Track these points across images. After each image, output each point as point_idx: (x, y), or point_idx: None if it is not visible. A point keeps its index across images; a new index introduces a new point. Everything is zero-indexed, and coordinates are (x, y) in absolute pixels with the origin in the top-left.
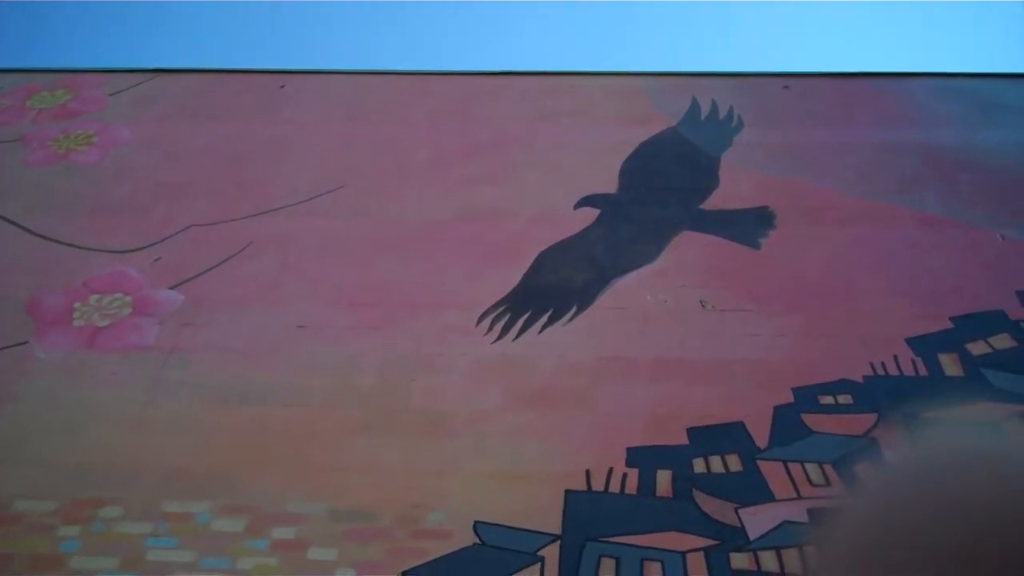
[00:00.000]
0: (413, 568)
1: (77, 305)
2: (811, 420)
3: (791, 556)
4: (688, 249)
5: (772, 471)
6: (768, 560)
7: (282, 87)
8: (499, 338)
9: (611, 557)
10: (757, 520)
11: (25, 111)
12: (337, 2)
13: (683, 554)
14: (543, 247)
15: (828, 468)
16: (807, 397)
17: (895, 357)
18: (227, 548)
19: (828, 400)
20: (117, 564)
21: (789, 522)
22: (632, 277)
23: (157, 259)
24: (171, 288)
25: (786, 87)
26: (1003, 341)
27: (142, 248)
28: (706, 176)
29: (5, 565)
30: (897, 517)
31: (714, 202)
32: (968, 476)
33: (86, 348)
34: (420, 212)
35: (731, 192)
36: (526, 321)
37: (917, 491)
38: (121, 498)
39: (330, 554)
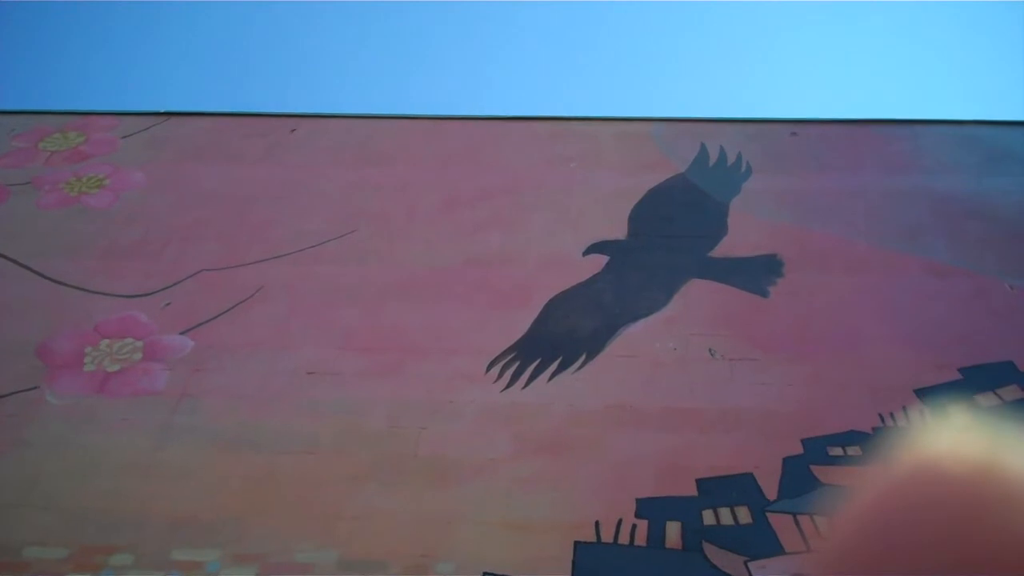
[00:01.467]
0: None
1: (88, 350)
2: (820, 472)
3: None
4: (697, 297)
5: (782, 523)
6: None
7: (293, 131)
8: (508, 386)
9: None
10: (767, 573)
11: (38, 153)
12: (348, 46)
13: None
14: (552, 293)
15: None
16: (816, 448)
17: (904, 408)
18: None
19: (837, 451)
20: None
21: None
22: (641, 325)
23: (167, 304)
24: (181, 333)
25: (794, 134)
26: (1012, 393)
27: (153, 293)
28: (715, 223)
29: None
30: (897, 517)
31: (723, 249)
32: (969, 476)
33: (97, 393)
34: (429, 257)
35: (739, 239)
36: (535, 369)
37: (914, 495)
38: (131, 545)
39: None
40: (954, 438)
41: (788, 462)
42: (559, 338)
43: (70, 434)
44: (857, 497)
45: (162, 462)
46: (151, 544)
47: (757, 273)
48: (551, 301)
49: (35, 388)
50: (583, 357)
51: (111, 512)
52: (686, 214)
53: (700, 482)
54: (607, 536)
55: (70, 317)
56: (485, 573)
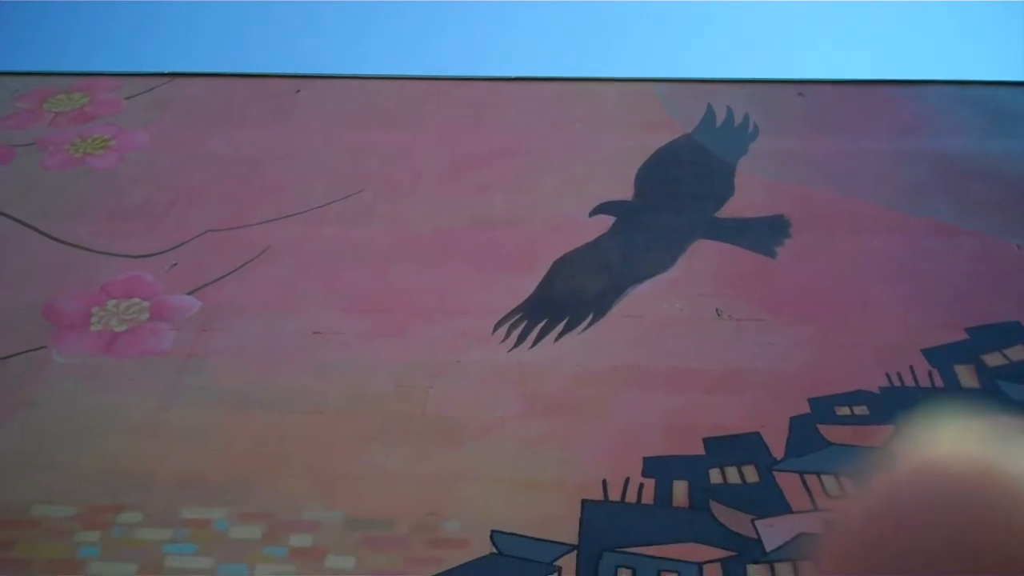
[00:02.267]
0: None
1: (95, 310)
2: (827, 431)
3: (808, 568)
4: (703, 257)
5: (789, 482)
6: (784, 572)
7: (298, 92)
8: (515, 346)
9: (628, 567)
10: (774, 531)
11: (42, 114)
12: (353, 6)
13: (700, 565)
14: (558, 254)
15: (845, 479)
16: (823, 408)
17: (911, 368)
18: (245, 555)
19: (844, 411)
20: (136, 570)
21: (805, 534)
22: (648, 286)
23: (174, 264)
24: (188, 293)
25: (801, 95)
26: (1019, 353)
27: (159, 253)
28: (721, 183)
29: (24, 570)
30: (896, 519)
31: (729, 210)
32: (968, 480)
33: (104, 353)
34: (434, 218)
35: (746, 200)
36: (542, 329)
37: (916, 494)
38: (139, 504)
39: (347, 562)
40: (954, 441)
41: (795, 421)
42: (566, 299)
43: (77, 394)
44: (859, 500)
45: (169, 422)
46: (159, 502)
47: (764, 234)
48: (557, 262)
49: (42, 348)
50: (590, 317)
51: (119, 471)
52: (693, 175)
53: (707, 441)
54: (614, 495)
55: (76, 277)
56: (493, 531)
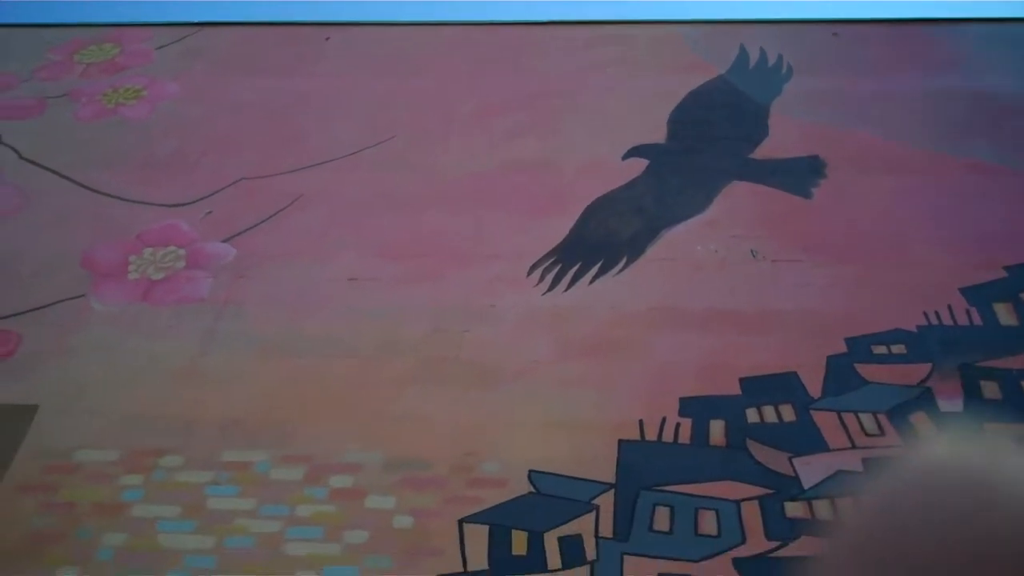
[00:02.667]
0: (469, 516)
1: (131, 258)
2: (865, 370)
3: (845, 505)
4: (738, 199)
5: (826, 421)
6: (822, 509)
7: (327, 39)
8: (549, 289)
9: (665, 506)
10: (811, 469)
11: (73, 66)
12: None
13: (737, 503)
14: (591, 198)
15: (882, 418)
16: (860, 347)
17: (949, 307)
18: (286, 496)
19: (881, 350)
20: (179, 512)
21: (843, 471)
22: (682, 228)
23: (208, 212)
24: (222, 241)
25: (835, 34)
26: None
27: (193, 202)
28: (755, 125)
29: (69, 512)
30: (896, 533)
31: (764, 151)
32: (965, 494)
33: (141, 300)
34: (467, 164)
35: (781, 141)
36: (576, 272)
37: (915, 507)
38: (180, 447)
39: (387, 502)
40: (952, 451)
41: (832, 361)
42: (599, 242)
43: (117, 340)
44: (857, 514)
45: (208, 367)
46: (200, 446)
47: (799, 174)
48: (591, 205)
49: (81, 296)
50: (624, 260)
51: (160, 416)
52: (726, 116)
53: (743, 381)
54: (651, 435)
55: (112, 227)
56: (530, 471)
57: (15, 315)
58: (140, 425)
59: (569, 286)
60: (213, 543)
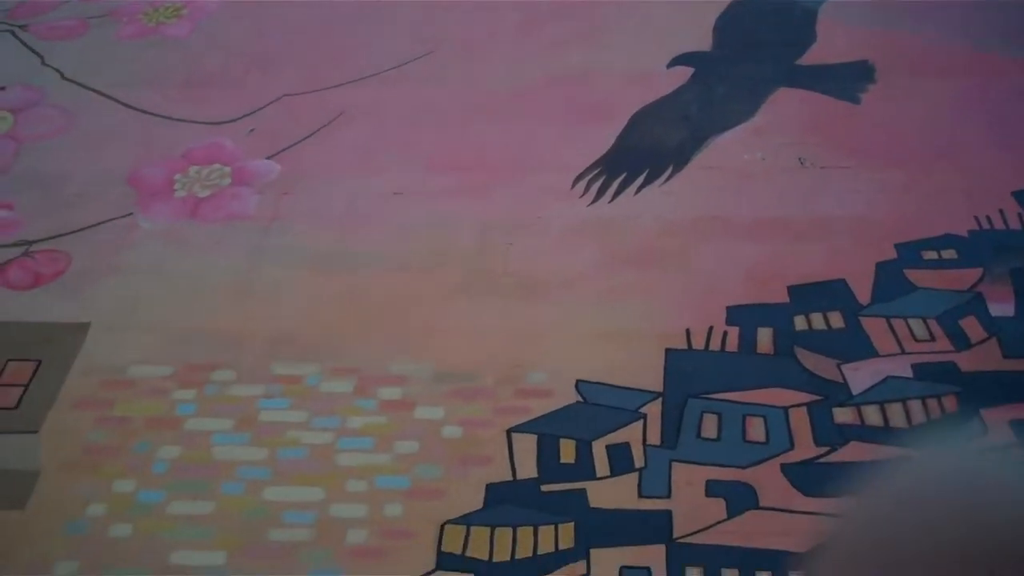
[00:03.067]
0: (518, 425)
1: (177, 177)
2: (914, 276)
3: (895, 411)
4: (785, 106)
5: (875, 327)
6: (872, 415)
7: None
8: (595, 200)
9: (713, 413)
10: (860, 375)
11: None
12: None
13: (785, 409)
14: (636, 107)
15: (932, 323)
16: (910, 253)
17: (1001, 211)
18: (337, 408)
19: (932, 255)
20: (232, 425)
21: (893, 377)
22: (728, 136)
23: (252, 130)
24: (267, 158)
25: None
26: None
27: (237, 119)
28: (803, 30)
29: (124, 427)
30: (892, 543)
31: (811, 57)
32: (965, 505)
33: (189, 218)
34: (510, 75)
35: (829, 46)
36: (622, 183)
37: (912, 519)
38: (232, 362)
39: (436, 413)
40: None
41: (881, 267)
42: (645, 151)
43: (166, 258)
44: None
45: (257, 283)
46: (251, 360)
47: (847, 79)
48: (636, 115)
49: (128, 215)
50: (670, 169)
51: (211, 331)
52: (773, 22)
53: (791, 289)
54: (698, 344)
55: (157, 145)
56: (578, 381)
57: (64, 235)
58: (191, 341)
59: (614, 197)
60: (266, 455)
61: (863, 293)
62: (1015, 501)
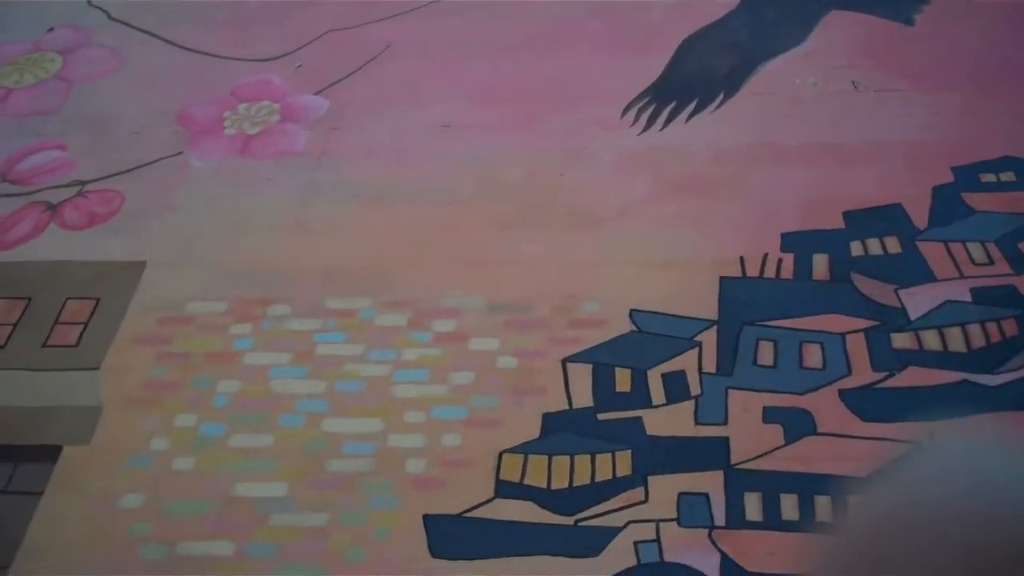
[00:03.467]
0: (573, 355)
1: (226, 114)
2: (972, 199)
3: (954, 335)
4: (837, 29)
5: (932, 251)
6: (930, 339)
7: None
8: (645, 129)
9: (769, 340)
10: (918, 300)
11: None
12: None
13: (842, 335)
14: (684, 34)
15: (991, 246)
16: (967, 176)
17: None
18: (392, 341)
19: (990, 178)
20: (290, 359)
21: (951, 301)
22: (780, 61)
23: (299, 66)
24: (315, 94)
25: None
26: None
27: (283, 55)
28: None
29: (184, 362)
30: (891, 542)
31: None
32: (964, 506)
33: (239, 155)
34: (557, 5)
35: None
36: (672, 111)
37: (911, 519)
38: (287, 297)
39: (491, 344)
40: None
41: (938, 191)
42: (694, 79)
43: (218, 195)
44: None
45: (309, 218)
46: (305, 295)
47: (900, 1)
48: (684, 42)
49: (179, 154)
50: (720, 96)
51: (265, 267)
52: None
53: (847, 215)
54: (752, 271)
55: (205, 83)
56: (632, 310)
57: (117, 175)
58: (246, 276)
59: (665, 125)
60: (324, 387)
61: (920, 217)
62: (1019, 499)
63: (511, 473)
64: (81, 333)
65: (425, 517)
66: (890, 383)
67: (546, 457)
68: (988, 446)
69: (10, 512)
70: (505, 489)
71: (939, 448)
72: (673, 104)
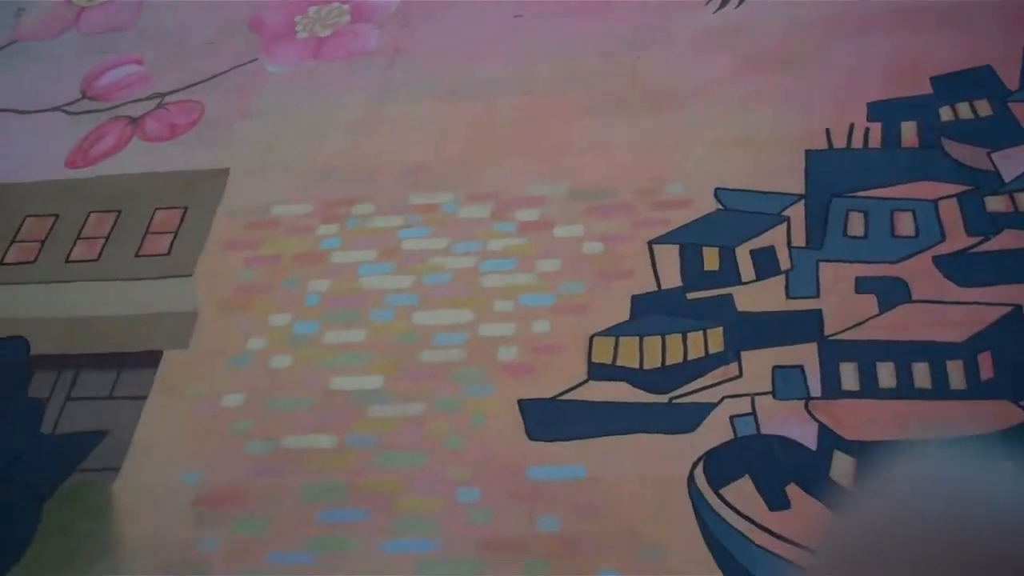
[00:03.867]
0: (659, 237)
1: (298, 18)
2: None
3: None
4: None
5: None
6: None
7: None
8: (721, 6)
9: (859, 211)
10: (1012, 163)
11: None
12: None
13: (935, 202)
14: None
15: None
16: None
17: None
18: (476, 233)
19: None
20: (376, 255)
21: None
22: None
23: None
24: None
25: None
26: None
27: None
28: None
29: (274, 264)
30: (883, 543)
31: None
32: (953, 510)
33: (313, 58)
34: None
35: None
36: None
37: (903, 521)
38: (369, 196)
39: (576, 230)
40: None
41: None
42: None
43: (294, 100)
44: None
45: (386, 117)
46: (388, 193)
47: None
48: None
49: (254, 60)
50: None
51: (345, 167)
52: None
53: (934, 80)
54: (839, 143)
55: None
56: (716, 188)
57: (194, 85)
58: (328, 177)
59: (741, 2)
60: (412, 282)
61: (1011, 79)
62: (1012, 504)
63: (603, 355)
64: (172, 242)
65: (520, 402)
66: (985, 247)
67: (637, 338)
68: (969, 451)
69: (116, 417)
70: (597, 371)
71: (920, 453)
72: None
